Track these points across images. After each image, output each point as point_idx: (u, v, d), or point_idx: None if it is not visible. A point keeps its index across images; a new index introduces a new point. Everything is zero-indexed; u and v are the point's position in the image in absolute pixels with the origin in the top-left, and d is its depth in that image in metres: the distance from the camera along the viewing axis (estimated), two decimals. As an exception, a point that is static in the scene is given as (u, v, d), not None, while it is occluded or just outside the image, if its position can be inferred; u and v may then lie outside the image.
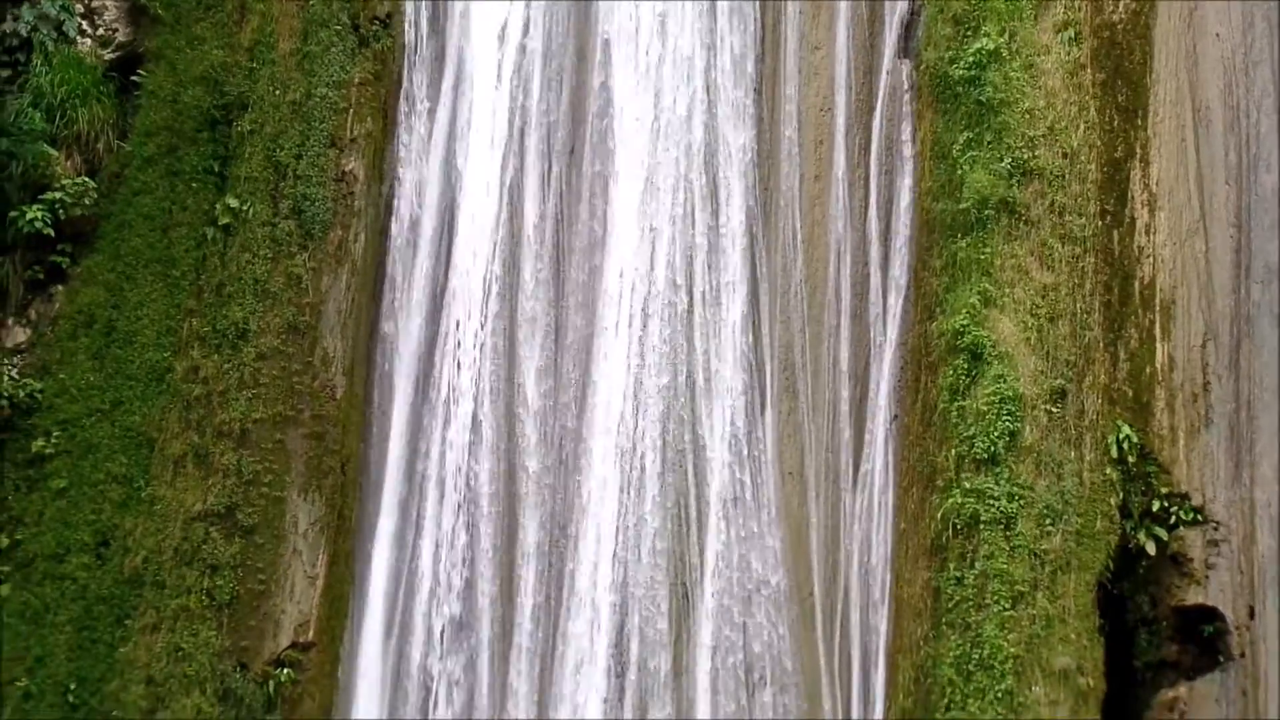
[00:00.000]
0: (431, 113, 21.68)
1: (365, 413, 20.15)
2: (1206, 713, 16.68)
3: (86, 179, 19.99)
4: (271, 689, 17.98)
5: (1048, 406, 17.78)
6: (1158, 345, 18.08)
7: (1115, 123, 19.15)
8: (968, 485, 17.54)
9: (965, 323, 18.16)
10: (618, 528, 19.35)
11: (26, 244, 19.69)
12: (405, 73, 21.66)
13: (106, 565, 18.41)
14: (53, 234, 19.61)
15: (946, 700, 16.75)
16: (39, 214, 19.51)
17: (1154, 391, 17.92)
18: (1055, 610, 16.91)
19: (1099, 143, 19.04)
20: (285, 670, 18.08)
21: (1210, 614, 17.06)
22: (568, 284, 20.99)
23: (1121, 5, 19.55)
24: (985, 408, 17.75)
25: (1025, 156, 18.76)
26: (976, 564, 17.19)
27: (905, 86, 20.72)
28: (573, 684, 18.79)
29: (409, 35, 21.79)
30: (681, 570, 19.38)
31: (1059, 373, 17.98)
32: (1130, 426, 17.79)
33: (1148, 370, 18.02)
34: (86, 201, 19.84)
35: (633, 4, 21.99)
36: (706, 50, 21.62)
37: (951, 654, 16.92)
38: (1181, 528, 17.38)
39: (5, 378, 19.05)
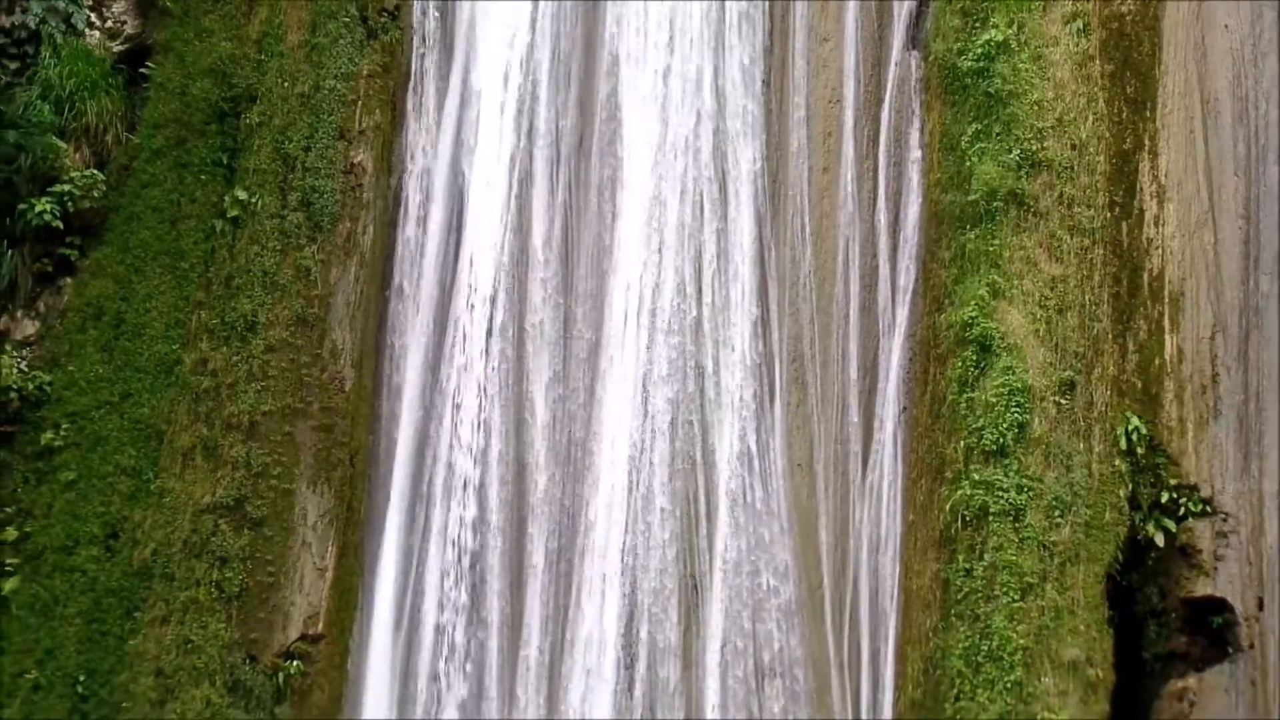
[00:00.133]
0: (440, 105, 21.68)
1: (374, 405, 20.17)
2: (1215, 703, 16.74)
3: (95, 171, 20.07)
4: (281, 681, 18.03)
5: (1056, 398, 17.82)
6: (1166, 337, 18.14)
7: (1124, 114, 19.21)
8: (976, 477, 17.57)
9: (974, 314, 18.20)
10: (627, 519, 19.39)
11: (35, 236, 19.75)
12: (414, 65, 21.68)
13: (116, 557, 18.48)
14: (61, 226, 19.69)
15: (955, 691, 16.79)
16: (48, 206, 19.59)
17: (1163, 383, 17.98)
18: (1064, 602, 16.94)
19: (1108, 134, 19.09)
20: (295, 662, 18.14)
21: (1219, 605, 17.12)
22: (577, 274, 20.98)
23: (1130, -4, 19.64)
24: (994, 399, 17.79)
25: (1034, 148, 18.80)
26: (985, 555, 17.23)
27: (914, 78, 20.77)
28: (582, 675, 18.80)
29: (417, 27, 21.83)
30: (691, 562, 19.41)
31: (1068, 364, 18.01)
32: (1139, 418, 17.84)
33: (1156, 362, 18.07)
34: (95, 194, 19.90)
35: (641, 1, 22.02)
36: (715, 43, 21.66)
37: (960, 645, 16.96)
38: (1190, 519, 17.44)
39: (14, 370, 19.11)
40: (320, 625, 18.43)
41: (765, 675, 18.84)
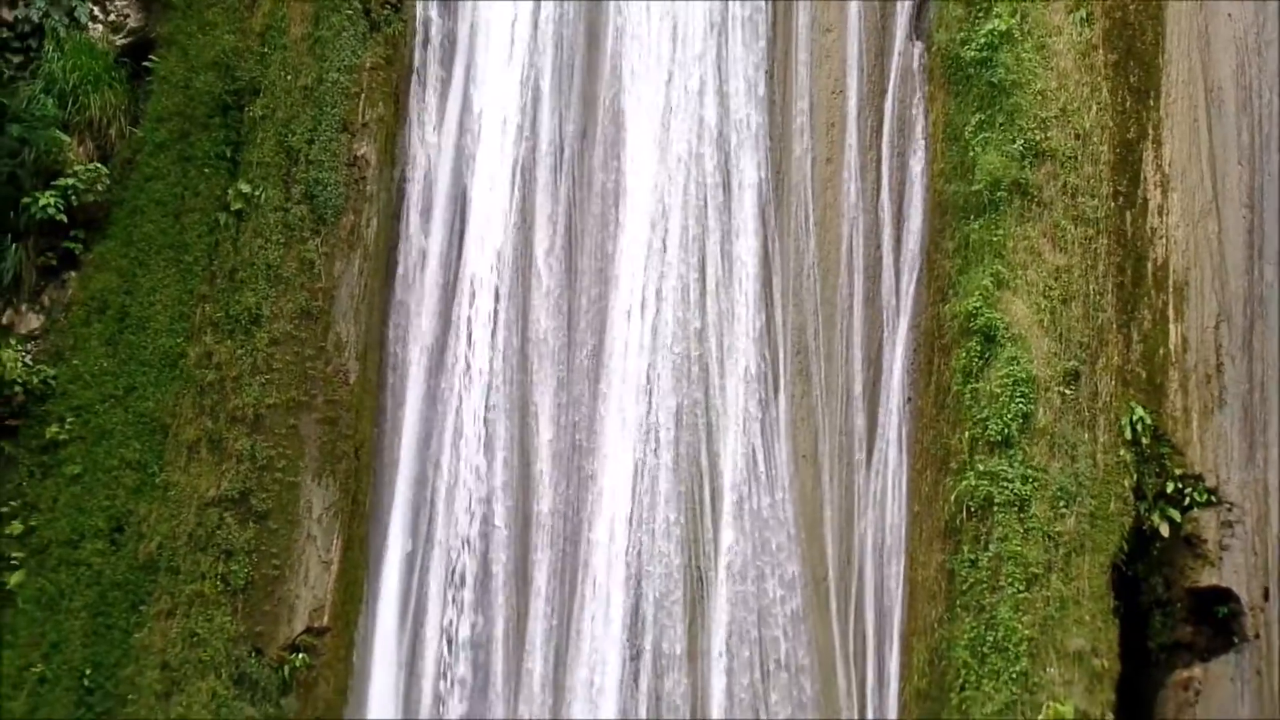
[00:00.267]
0: (443, 97, 21.75)
1: (378, 398, 20.23)
2: (1220, 693, 16.82)
3: (99, 165, 20.10)
4: (286, 673, 18.09)
5: (1061, 388, 17.88)
6: (1171, 326, 18.20)
7: (1127, 103, 19.25)
8: (981, 468, 17.63)
9: (978, 305, 18.26)
10: (632, 511, 19.46)
11: (39, 230, 19.78)
12: (417, 57, 21.75)
13: (121, 551, 18.53)
14: (65, 220, 19.72)
15: (961, 681, 16.87)
16: (51, 200, 19.62)
17: (1167, 373, 18.04)
18: (1069, 592, 17.01)
19: (1111, 124, 19.13)
20: (300, 655, 18.20)
21: (1224, 595, 17.19)
22: (581, 267, 21.04)
23: (1133, -15, 19.68)
24: (998, 390, 17.85)
25: (1037, 138, 18.85)
26: (990, 546, 17.30)
27: (917, 68, 20.81)
28: (588, 667, 18.86)
29: (420, 19, 21.87)
30: (696, 553, 19.47)
31: (1072, 354, 18.08)
32: (1144, 408, 17.92)
33: (1161, 351, 18.14)
34: (99, 188, 19.94)
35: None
36: (718, 34, 21.70)
37: (966, 636, 17.04)
38: (1195, 509, 17.50)
39: (19, 364, 19.15)
40: (325, 618, 18.48)
41: (770, 668, 18.93)
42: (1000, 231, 18.56)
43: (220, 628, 18.09)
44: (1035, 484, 17.42)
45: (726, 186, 21.12)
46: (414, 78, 21.69)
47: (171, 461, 18.90)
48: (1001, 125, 19.02)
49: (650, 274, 20.55)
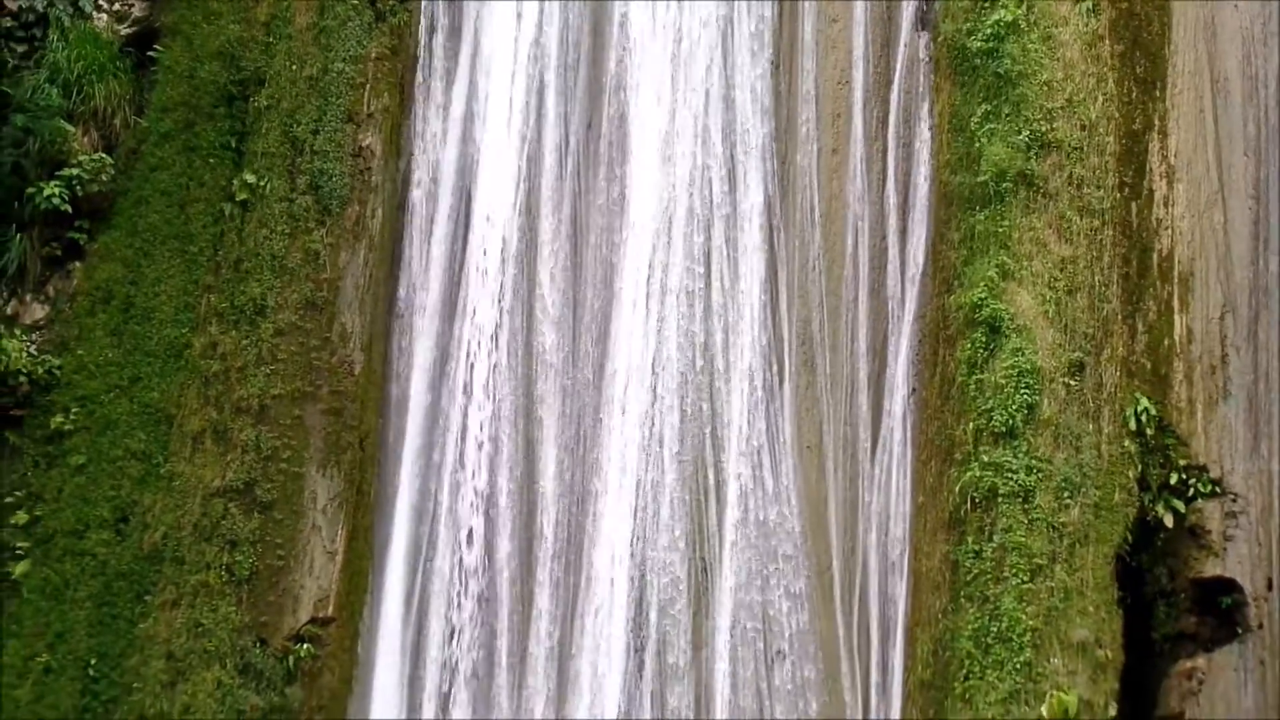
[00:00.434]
0: (449, 88, 21.95)
1: (383, 389, 20.45)
2: (1224, 683, 17.00)
3: (103, 155, 20.30)
4: (291, 663, 18.34)
5: (1066, 379, 18.09)
6: (1176, 317, 18.38)
7: (1133, 94, 19.44)
8: (986, 458, 17.84)
9: (983, 296, 18.45)
10: (636, 503, 19.66)
11: (44, 220, 20.01)
12: (422, 48, 21.95)
13: (126, 541, 18.77)
14: (70, 210, 19.93)
15: (965, 672, 17.08)
16: (56, 190, 19.84)
17: (1172, 364, 18.23)
18: (1073, 583, 17.22)
19: (1117, 114, 19.31)
20: (305, 645, 18.46)
21: (1228, 586, 17.37)
22: (586, 259, 21.25)
23: (1140, -25, 19.86)
24: (1003, 381, 18.05)
25: (1043, 129, 19.04)
26: (995, 537, 17.50)
27: (923, 59, 21.00)
28: (592, 658, 19.07)
29: (426, 10, 22.08)
30: (700, 545, 19.68)
31: (1077, 345, 18.27)
32: (1148, 399, 18.10)
33: (1166, 342, 18.33)
34: (104, 178, 20.14)
35: (649, -13, 22.27)
36: (723, 23, 21.88)
37: (970, 627, 17.25)
38: (1200, 500, 17.68)
39: (24, 354, 19.35)
40: (330, 608, 18.73)
41: (774, 657, 19.12)
42: (1006, 222, 18.76)
43: (225, 618, 18.35)
44: (1040, 475, 17.62)
45: (732, 177, 21.30)
46: (419, 68, 21.89)
47: (176, 452, 19.14)
48: (1007, 116, 19.22)
49: (655, 264, 20.73)
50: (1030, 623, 17.01)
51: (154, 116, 20.67)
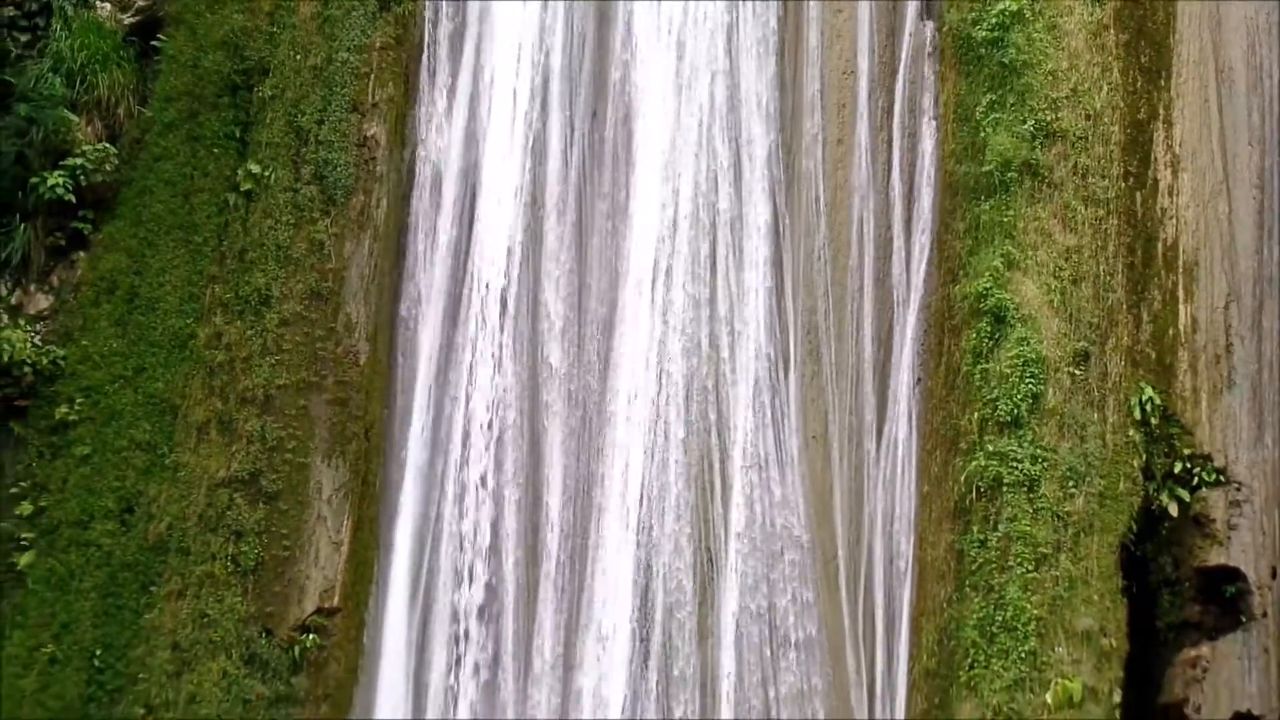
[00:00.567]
0: (454, 78, 22.08)
1: (388, 379, 20.66)
2: (1228, 670, 17.24)
3: (107, 145, 20.55)
4: (297, 653, 18.57)
5: (1071, 369, 18.31)
6: (1180, 307, 18.63)
7: (1138, 84, 19.68)
8: (991, 448, 18.07)
9: (988, 285, 18.67)
10: (642, 491, 19.83)
11: (48, 210, 20.26)
12: (427, 37, 22.09)
13: (131, 532, 19.05)
14: (74, 200, 20.19)
15: (970, 661, 17.32)
16: (60, 180, 20.09)
17: (1177, 353, 18.47)
18: (1078, 572, 17.46)
19: (1122, 104, 19.54)
20: (311, 635, 18.67)
21: (1232, 574, 17.63)
22: (591, 247, 21.45)
23: (1144, -34, 20.03)
24: (1008, 370, 18.28)
25: (1048, 118, 19.26)
26: (999, 526, 17.73)
27: (928, 48, 21.18)
28: (597, 648, 19.27)
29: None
30: (706, 533, 19.85)
31: (1082, 335, 18.50)
32: (1153, 388, 18.35)
33: (1170, 332, 18.57)
34: (107, 167, 20.40)
35: (655, -25, 22.42)
36: (728, 14, 22.07)
37: (975, 616, 17.49)
38: (1204, 489, 17.93)
39: (28, 344, 19.60)
40: (336, 599, 18.94)
41: (780, 646, 19.30)
42: (1011, 212, 18.99)
43: (230, 608, 18.61)
44: (1044, 464, 17.85)
45: (737, 167, 21.48)
46: (424, 57, 22.02)
47: (181, 442, 19.41)
48: (1012, 106, 19.44)
49: (661, 254, 20.91)
50: (1035, 612, 17.24)
51: (158, 106, 20.93)
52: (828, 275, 20.99)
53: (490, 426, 20.49)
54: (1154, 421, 18.26)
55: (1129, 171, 19.29)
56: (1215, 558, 17.74)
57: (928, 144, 20.79)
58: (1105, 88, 19.52)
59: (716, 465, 20.18)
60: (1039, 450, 17.94)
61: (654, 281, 20.84)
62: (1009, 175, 19.11)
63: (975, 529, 17.94)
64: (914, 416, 19.85)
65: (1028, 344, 18.34)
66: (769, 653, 19.31)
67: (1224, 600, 17.66)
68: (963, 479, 18.19)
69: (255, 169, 20.46)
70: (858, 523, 19.92)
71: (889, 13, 21.78)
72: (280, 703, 18.40)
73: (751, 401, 20.31)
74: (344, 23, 21.11)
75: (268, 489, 19.15)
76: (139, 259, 20.23)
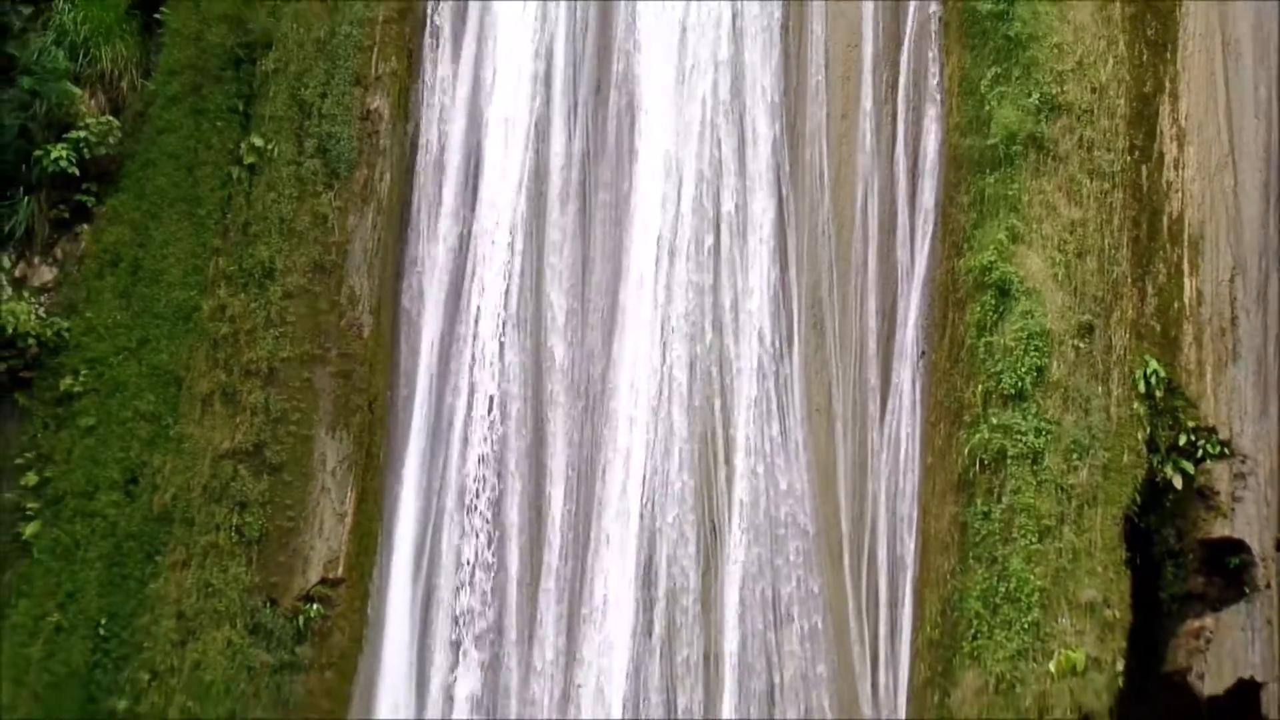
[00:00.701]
0: (457, 50, 22.29)
1: (392, 352, 20.85)
2: (1231, 641, 17.45)
3: (111, 118, 20.72)
4: (301, 623, 18.82)
5: (1075, 342, 18.50)
6: (1186, 280, 18.80)
7: (1144, 57, 19.85)
8: (995, 421, 18.24)
9: (993, 259, 18.84)
10: (645, 463, 20.04)
11: (51, 183, 20.44)
12: (430, 10, 22.32)
13: (136, 502, 19.26)
14: (77, 173, 20.35)
15: (973, 631, 17.52)
16: (63, 153, 20.26)
17: (1182, 326, 18.66)
18: (1082, 544, 17.65)
19: (1128, 77, 19.73)
20: (315, 605, 18.92)
21: (1236, 546, 17.83)
22: (594, 220, 21.63)
23: (1151, -62, 20.14)
24: (1013, 343, 18.46)
25: (1054, 92, 19.42)
26: (1003, 498, 17.92)
27: (933, 22, 21.33)
28: (600, 618, 19.50)
29: (434, -28, 22.34)
30: (709, 505, 20.04)
31: (1087, 308, 18.68)
32: (1158, 361, 18.54)
33: (1175, 305, 18.76)
34: (111, 140, 20.56)
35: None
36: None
37: (978, 587, 17.68)
38: (1208, 461, 18.12)
39: (32, 316, 19.80)
40: (340, 569, 19.17)
41: (783, 617, 19.51)
42: (1015, 185, 19.15)
43: (235, 578, 18.84)
44: (1048, 437, 18.02)
45: (741, 141, 21.62)
46: (427, 31, 22.24)
47: (186, 414, 19.61)
48: (1017, 79, 19.59)
49: (664, 229, 21.08)
50: (1038, 583, 17.42)
51: (161, 79, 21.09)
52: (832, 249, 21.16)
53: (494, 399, 20.70)
54: (1158, 394, 18.43)
55: (1134, 145, 19.47)
56: (1219, 530, 17.91)
57: (932, 117, 20.95)
58: (1111, 61, 19.67)
59: (720, 438, 20.33)
60: (1043, 423, 18.09)
61: (657, 255, 21.01)
62: (1014, 149, 19.27)
63: (979, 501, 18.10)
64: (918, 390, 20.03)
65: (1032, 317, 18.50)
66: (772, 624, 19.49)
67: (1227, 572, 17.85)
68: (966, 451, 18.36)
69: (258, 142, 20.64)
70: (861, 495, 20.11)
71: (894, -14, 21.84)
72: (284, 671, 18.62)
73: (755, 374, 20.46)
74: (347, -5, 21.22)
75: (272, 460, 19.35)
76: (143, 232, 20.40)
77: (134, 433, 19.53)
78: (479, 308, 21.07)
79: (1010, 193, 19.16)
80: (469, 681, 19.75)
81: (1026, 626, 17.29)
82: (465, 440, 20.58)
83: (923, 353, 20.13)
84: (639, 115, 21.90)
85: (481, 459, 20.49)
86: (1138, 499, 18.12)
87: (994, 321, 18.75)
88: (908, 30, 21.56)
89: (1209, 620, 17.71)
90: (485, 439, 20.57)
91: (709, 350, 20.70)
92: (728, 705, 19.23)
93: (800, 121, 21.79)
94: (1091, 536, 17.75)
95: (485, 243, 21.35)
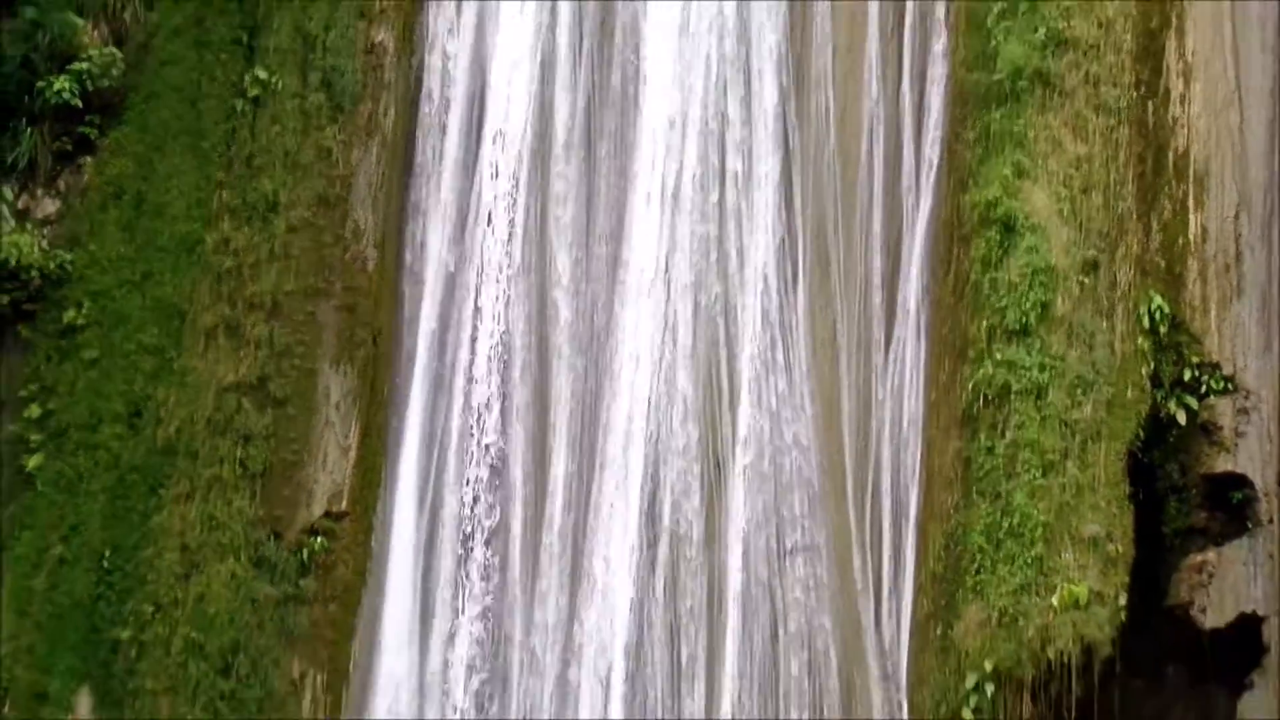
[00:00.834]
0: (461, -13, 22.19)
1: (396, 286, 20.94)
2: (1233, 576, 17.58)
3: (113, 49, 20.71)
4: (305, 556, 18.99)
5: (1080, 277, 18.54)
6: (1191, 216, 18.81)
7: (1151, -8, 19.80)
8: (999, 356, 18.31)
9: (998, 194, 18.88)
10: (650, 397, 20.14)
11: (54, 115, 20.44)
12: (435, -55, 22.19)
13: (139, 435, 19.39)
14: (80, 105, 20.36)
15: (976, 565, 17.62)
16: (66, 84, 20.26)
17: (1186, 262, 18.67)
18: (1085, 479, 17.73)
19: (1134, 12, 19.70)
20: (319, 538, 19.09)
21: (1239, 481, 17.92)
22: (600, 155, 21.61)
23: None
24: (1017, 279, 18.51)
25: (1060, 26, 19.40)
26: (1007, 434, 17.98)
27: (939, -43, 21.23)
28: (604, 553, 19.64)
29: (437, -97, 22.30)
30: (713, 440, 20.14)
31: (1092, 244, 18.73)
32: (1162, 297, 18.57)
33: (1180, 241, 18.79)
34: (114, 72, 20.55)
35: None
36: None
37: (982, 522, 17.78)
38: (1212, 397, 18.18)
39: (35, 249, 19.87)
40: (344, 503, 19.34)
41: (787, 553, 19.62)
42: (1021, 121, 19.16)
43: (239, 511, 18.98)
44: (1053, 372, 18.08)
45: (746, 77, 21.61)
46: (432, -35, 22.13)
47: (189, 347, 19.70)
48: (1024, 14, 19.58)
49: (669, 164, 21.10)
50: (1042, 518, 17.52)
51: (164, 10, 21.09)
52: (837, 185, 21.18)
53: (498, 333, 20.77)
54: (1163, 330, 18.48)
55: (1140, 80, 19.47)
56: (1222, 465, 17.99)
57: (938, 52, 20.97)
58: (1118, -6, 19.64)
59: (724, 372, 20.42)
60: (1047, 358, 18.17)
61: (662, 190, 21.05)
62: (1020, 84, 19.29)
63: (983, 436, 18.18)
64: (922, 325, 20.10)
65: (1037, 252, 18.54)
66: (776, 558, 19.60)
67: (1230, 507, 17.96)
68: (971, 387, 18.44)
69: (263, 75, 20.68)
70: (865, 429, 20.20)
71: (901, -81, 21.82)
72: (288, 604, 18.78)
73: (759, 309, 20.52)
74: (352, -76, 21.20)
75: (276, 394, 19.46)
76: (146, 164, 20.46)
77: (137, 366, 19.62)
78: (484, 241, 21.11)
79: (1016, 128, 19.18)
80: (473, 613, 19.87)
81: (1030, 561, 17.39)
82: (469, 375, 20.64)
83: (927, 288, 20.16)
84: (644, 49, 21.87)
85: (485, 391, 20.56)
86: (1141, 434, 18.15)
87: (999, 257, 18.77)
88: (914, -35, 21.49)
89: (1211, 555, 17.82)
90: (489, 374, 20.62)
91: (714, 283, 20.76)
92: (731, 647, 19.35)
93: (806, 57, 21.73)
94: (1095, 471, 17.82)
95: (490, 176, 21.36)
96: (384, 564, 19.79)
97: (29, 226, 20.17)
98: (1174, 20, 19.59)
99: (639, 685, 19.24)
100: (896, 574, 19.41)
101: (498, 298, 20.91)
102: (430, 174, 21.52)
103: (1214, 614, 17.56)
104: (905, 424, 19.92)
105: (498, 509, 20.26)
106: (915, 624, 18.62)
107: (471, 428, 20.47)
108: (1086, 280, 18.58)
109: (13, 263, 19.67)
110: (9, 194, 20.33)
